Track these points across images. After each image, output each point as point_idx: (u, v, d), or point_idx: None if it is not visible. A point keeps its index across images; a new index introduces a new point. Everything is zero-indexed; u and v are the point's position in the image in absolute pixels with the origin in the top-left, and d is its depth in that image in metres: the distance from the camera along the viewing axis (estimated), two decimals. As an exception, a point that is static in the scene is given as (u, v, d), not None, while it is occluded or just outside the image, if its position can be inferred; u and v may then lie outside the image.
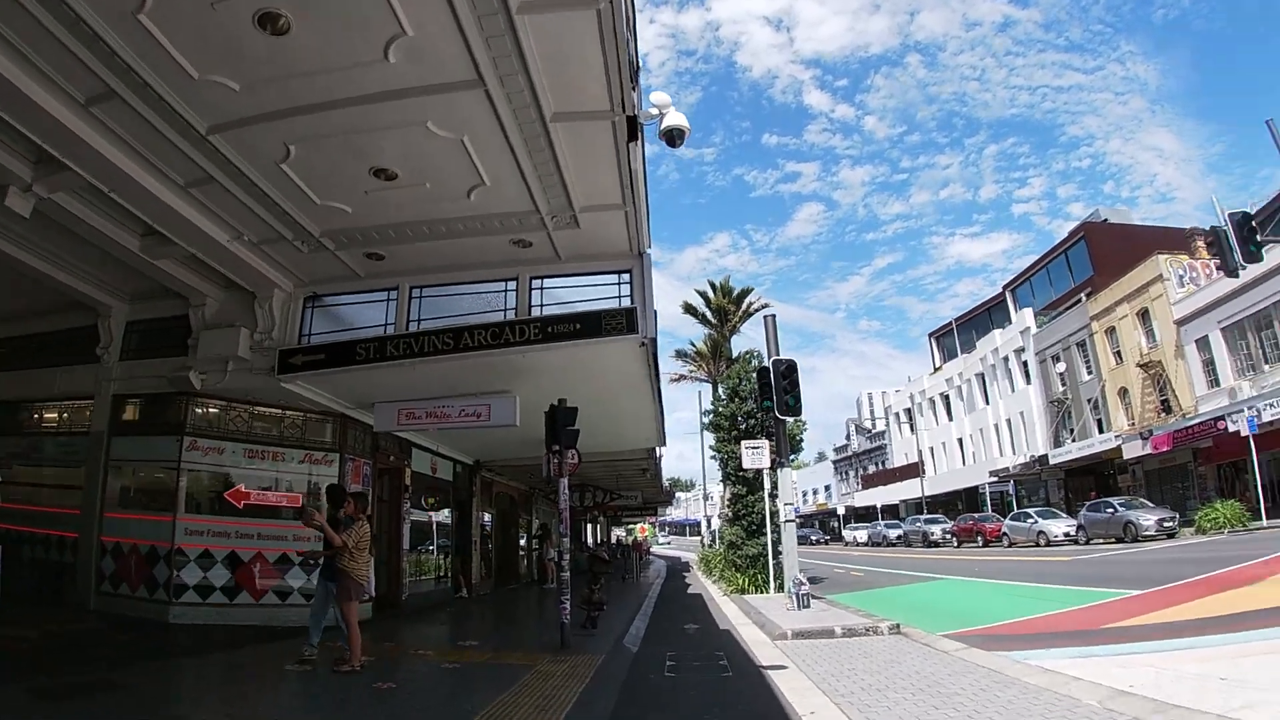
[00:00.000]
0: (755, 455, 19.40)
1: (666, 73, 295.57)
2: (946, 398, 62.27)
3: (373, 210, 11.15)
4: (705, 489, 62.78)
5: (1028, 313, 52.07)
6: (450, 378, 13.61)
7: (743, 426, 22.87)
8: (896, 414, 71.28)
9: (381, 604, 16.56)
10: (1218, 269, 28.53)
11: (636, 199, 10.76)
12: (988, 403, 56.18)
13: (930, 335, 71.16)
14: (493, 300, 12.86)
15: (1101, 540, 30.55)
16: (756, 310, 40.60)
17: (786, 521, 16.72)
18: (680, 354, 46.94)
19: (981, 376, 56.90)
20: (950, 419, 61.76)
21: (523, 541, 30.85)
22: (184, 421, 14.00)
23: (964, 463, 59.61)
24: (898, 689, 8.15)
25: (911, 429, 66.48)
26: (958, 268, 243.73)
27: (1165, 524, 28.64)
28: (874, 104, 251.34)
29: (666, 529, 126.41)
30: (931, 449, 62.99)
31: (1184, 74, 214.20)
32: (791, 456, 21.74)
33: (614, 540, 59.73)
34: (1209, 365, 36.48)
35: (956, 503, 57.40)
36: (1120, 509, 30.51)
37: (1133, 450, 38.20)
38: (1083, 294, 48.09)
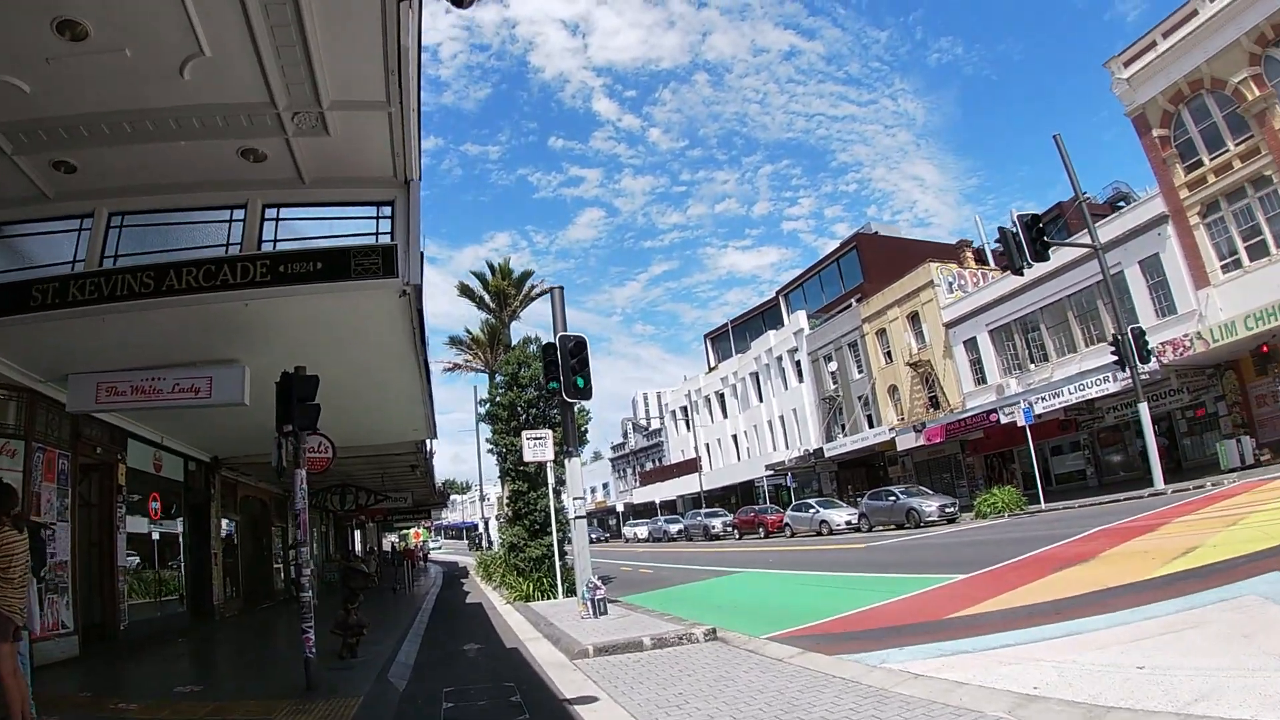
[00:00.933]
0: (538, 447, 17.22)
1: (458, 65, 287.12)
2: (721, 396, 62.50)
3: (58, 90, 7.95)
4: (482, 489, 58.91)
5: (801, 315, 52.98)
6: (161, 339, 10.42)
7: (523, 417, 20.54)
8: (673, 412, 70.99)
9: (93, 635, 12.98)
10: (1004, 269, 29.74)
11: (405, 96, 8.15)
12: (761, 400, 56.70)
13: (706, 336, 71.54)
14: (217, 235, 9.80)
15: (883, 527, 30.75)
16: (538, 295, 38.11)
17: (576, 518, 14.60)
18: (455, 341, 43.03)
19: (756, 375, 57.40)
20: (725, 416, 62.02)
21: (281, 553, 26.77)
22: None
23: (739, 458, 59.90)
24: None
25: (688, 426, 66.26)
26: (729, 278, 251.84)
27: (947, 510, 29.09)
28: (660, 117, 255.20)
29: (442, 533, 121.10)
30: (708, 445, 62.99)
31: (949, 112, 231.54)
32: (580, 447, 19.72)
33: (389, 548, 55.57)
34: (976, 364, 38.39)
35: (732, 497, 57.67)
36: (902, 496, 30.67)
37: (906, 442, 39.03)
38: (853, 299, 49.57)
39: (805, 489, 50.29)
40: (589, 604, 13.05)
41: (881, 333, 44.49)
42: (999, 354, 37.10)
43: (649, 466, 75.49)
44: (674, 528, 50.22)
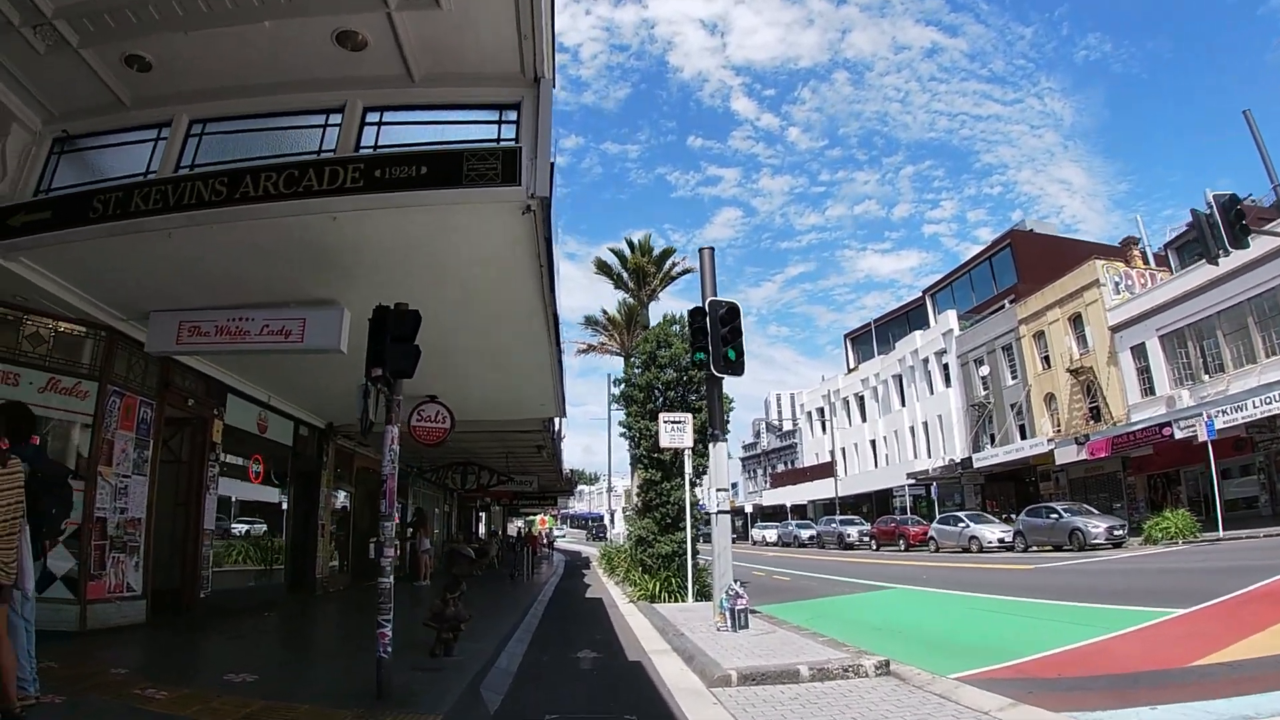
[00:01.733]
0: (675, 432, 15.26)
1: (598, 65, 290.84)
2: (861, 399, 59.14)
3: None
4: (610, 479, 56.77)
5: (951, 315, 49.14)
6: (242, 267, 8.86)
7: (660, 400, 18.47)
8: (809, 413, 67.84)
9: (167, 602, 11.64)
10: (1195, 266, 25.92)
11: (535, -51, 6.19)
12: (904, 405, 53.18)
13: (846, 336, 68.09)
14: (309, 144, 8.09)
15: (1039, 548, 27.62)
16: (680, 275, 35.29)
17: (719, 513, 12.46)
18: (590, 321, 39.62)
19: (899, 378, 53.89)
20: (864, 420, 58.67)
21: (399, 528, 25.48)
22: None
23: (876, 465, 56.59)
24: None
25: (824, 429, 63.16)
26: (866, 281, 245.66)
27: (1115, 532, 25.88)
28: (799, 116, 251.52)
29: (568, 522, 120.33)
30: (843, 449, 59.59)
31: (1097, 113, 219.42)
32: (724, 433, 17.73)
33: (515, 533, 54.77)
34: (1144, 373, 34.34)
35: (865, 505, 54.21)
36: (1065, 515, 27.29)
37: (1066, 455, 35.23)
38: (1006, 300, 45.98)
39: (946, 501, 46.90)
40: (727, 614, 10.91)
41: (1039, 335, 40.58)
42: (1169, 362, 32.89)
43: (780, 469, 72.66)
44: (805, 533, 47.44)
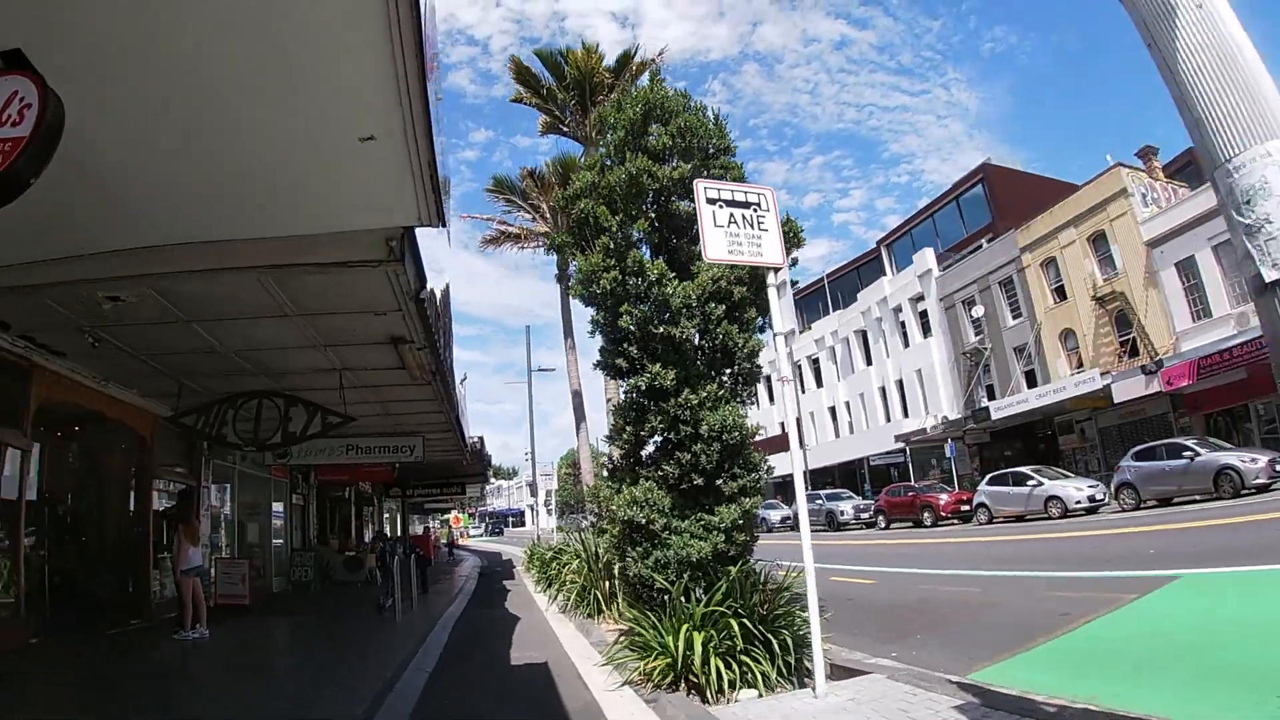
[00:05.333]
0: (739, 230, 5.42)
1: (508, 58, 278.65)
2: (816, 362, 49.47)
3: None
4: (534, 464, 43.09)
5: (928, 253, 39.90)
6: None
7: (655, 227, 8.15)
8: (752, 384, 58.05)
9: None
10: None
11: None
12: (871, 364, 43.90)
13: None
14: None
15: (1155, 502, 19.40)
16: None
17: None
18: (501, 186, 23.34)
19: (863, 334, 44.69)
20: (820, 386, 49.15)
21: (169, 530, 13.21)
22: None
23: (838, 434, 47.28)
24: None
25: (770, 399, 53.66)
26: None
27: (1276, 467, 17.74)
28: (710, 108, 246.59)
29: (486, 520, 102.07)
30: (798, 420, 49.78)
31: (1002, 102, 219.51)
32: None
33: (421, 531, 43.35)
34: (1194, 292, 26.53)
35: (825, 480, 44.55)
36: (1203, 451, 18.56)
37: (1130, 390, 26.51)
38: (983, 240, 37.81)
39: (928, 469, 38.03)
40: None
41: (1049, 263, 32.23)
42: (1228, 276, 24.78)
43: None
44: (775, 515, 36.73)
